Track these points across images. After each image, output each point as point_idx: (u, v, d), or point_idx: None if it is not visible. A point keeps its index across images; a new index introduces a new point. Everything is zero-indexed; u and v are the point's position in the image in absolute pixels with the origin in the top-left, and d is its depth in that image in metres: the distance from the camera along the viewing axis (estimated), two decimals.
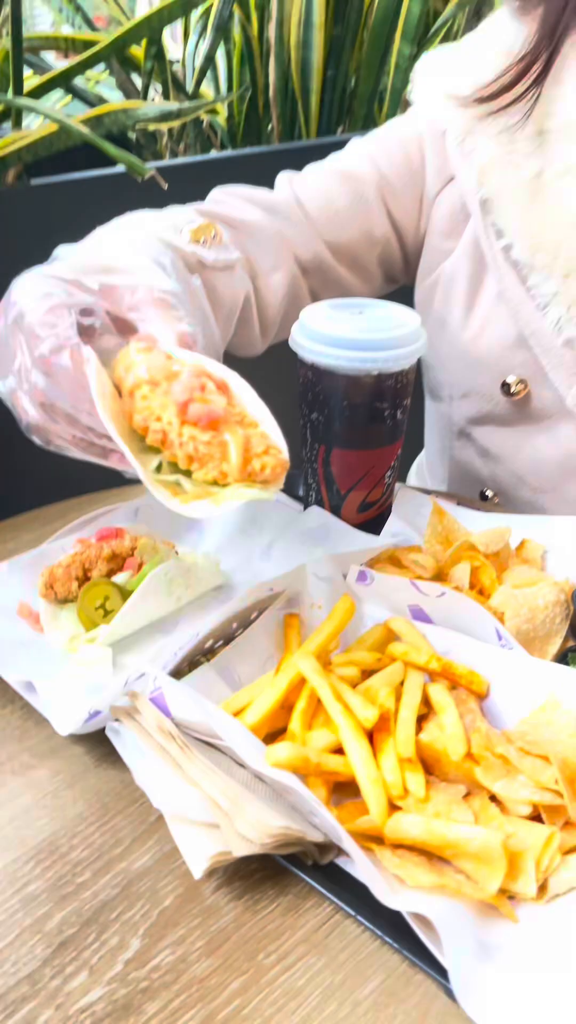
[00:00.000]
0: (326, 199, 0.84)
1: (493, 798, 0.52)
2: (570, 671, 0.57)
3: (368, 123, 1.56)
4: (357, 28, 1.46)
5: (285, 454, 0.49)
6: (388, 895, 0.45)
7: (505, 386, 0.81)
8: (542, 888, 0.47)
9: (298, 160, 1.46)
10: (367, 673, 0.60)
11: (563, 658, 0.64)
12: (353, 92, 1.55)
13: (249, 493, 0.47)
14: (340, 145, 1.49)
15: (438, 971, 0.44)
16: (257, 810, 0.48)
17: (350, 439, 0.74)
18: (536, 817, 0.51)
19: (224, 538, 0.80)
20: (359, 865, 0.46)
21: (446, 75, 0.78)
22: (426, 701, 0.58)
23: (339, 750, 0.54)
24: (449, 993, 0.44)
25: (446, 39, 1.68)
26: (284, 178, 0.87)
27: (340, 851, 0.50)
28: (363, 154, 0.86)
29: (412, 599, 0.65)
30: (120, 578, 0.70)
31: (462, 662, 0.60)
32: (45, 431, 0.52)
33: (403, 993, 0.45)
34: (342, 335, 0.69)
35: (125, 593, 0.69)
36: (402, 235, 0.87)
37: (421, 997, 0.45)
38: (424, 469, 1.08)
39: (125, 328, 0.55)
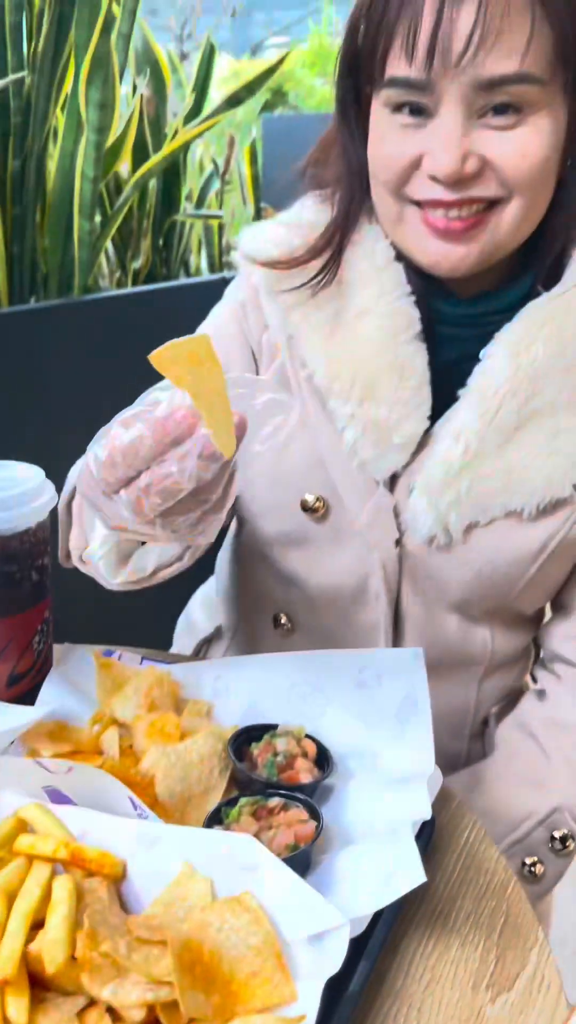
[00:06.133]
0: None
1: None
2: (201, 833, 0.53)
3: (63, 290, 1.60)
4: (35, 208, 1.52)
5: None
6: None
7: (304, 505, 0.83)
8: None
9: None
10: None
11: (215, 814, 0.59)
12: (44, 265, 1.59)
13: None
14: (34, 313, 1.50)
15: None
16: None
17: None
18: (156, 1020, 0.44)
19: None
20: None
21: (261, 244, 0.84)
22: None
23: None
24: None
25: (128, 216, 1.79)
26: None
27: None
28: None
29: (46, 780, 0.58)
30: None
31: (98, 843, 0.54)
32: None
33: None
34: None
35: None
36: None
37: None
38: (211, 601, 1.07)
39: None
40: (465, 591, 0.81)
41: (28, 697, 0.71)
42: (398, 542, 0.80)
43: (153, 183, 1.82)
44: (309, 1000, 0.46)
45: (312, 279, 0.80)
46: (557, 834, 0.79)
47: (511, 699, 0.90)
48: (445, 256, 0.73)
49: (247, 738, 0.67)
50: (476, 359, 0.77)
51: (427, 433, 0.79)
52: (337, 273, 0.81)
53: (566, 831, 0.79)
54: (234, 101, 1.60)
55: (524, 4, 0.64)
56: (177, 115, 1.95)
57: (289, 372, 0.84)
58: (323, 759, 0.66)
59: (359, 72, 0.74)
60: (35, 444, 1.02)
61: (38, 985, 0.47)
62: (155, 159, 1.62)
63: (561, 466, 0.75)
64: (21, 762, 0.58)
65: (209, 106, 1.89)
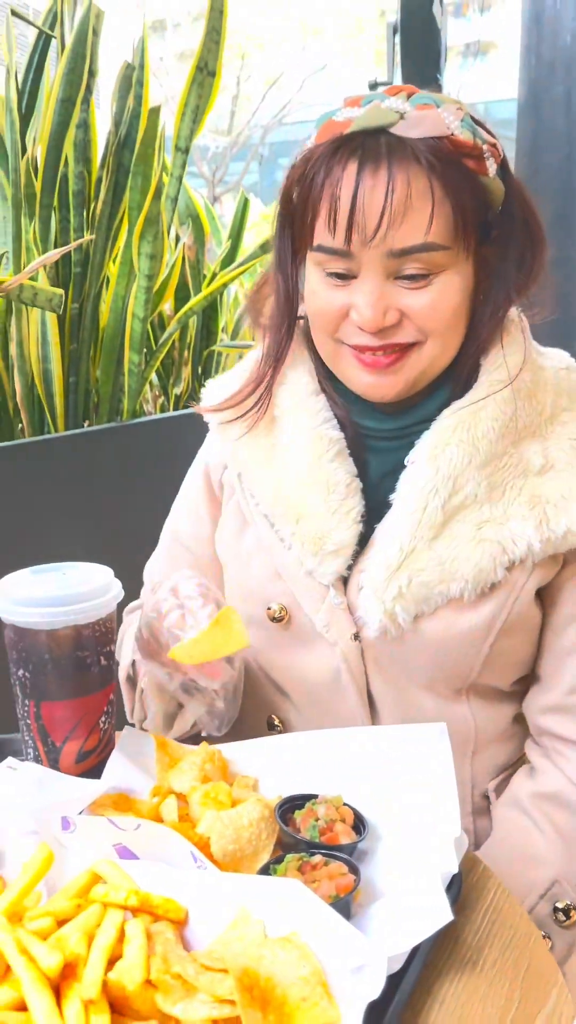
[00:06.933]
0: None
1: None
2: (256, 880, 0.60)
3: (113, 415, 1.77)
4: (91, 344, 1.71)
5: None
6: None
7: (271, 615, 0.93)
8: None
9: (46, 452, 1.61)
10: (65, 922, 0.60)
11: (264, 870, 0.67)
12: (97, 393, 1.77)
13: None
14: (88, 435, 1.66)
15: None
16: None
17: (58, 691, 0.77)
18: None
19: None
20: None
21: (213, 392, 1.00)
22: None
23: (23, 1006, 0.52)
24: None
25: (171, 348, 1.97)
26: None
27: None
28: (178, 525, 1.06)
29: (115, 838, 0.66)
30: None
31: (162, 892, 0.61)
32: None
33: None
34: (38, 595, 0.76)
35: None
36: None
37: None
38: None
39: None
40: (426, 673, 0.89)
41: (94, 772, 0.80)
42: (356, 636, 0.89)
43: (193, 319, 2.01)
44: (352, 1021, 0.52)
45: (248, 411, 0.93)
46: (560, 905, 0.83)
47: (510, 774, 0.96)
48: (376, 386, 0.86)
49: (291, 806, 0.74)
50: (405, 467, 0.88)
51: (371, 537, 0.89)
52: (269, 404, 0.94)
53: (568, 901, 0.83)
54: (267, 247, 1.80)
55: (425, 187, 0.77)
56: (215, 256, 2.18)
57: (243, 505, 0.97)
58: (359, 824, 0.73)
59: (293, 232, 0.87)
60: (87, 549, 1.14)
61: (115, 1011, 0.54)
62: (196, 300, 1.81)
63: (489, 552, 0.84)
64: (95, 820, 0.67)
65: (243, 250, 2.11)
